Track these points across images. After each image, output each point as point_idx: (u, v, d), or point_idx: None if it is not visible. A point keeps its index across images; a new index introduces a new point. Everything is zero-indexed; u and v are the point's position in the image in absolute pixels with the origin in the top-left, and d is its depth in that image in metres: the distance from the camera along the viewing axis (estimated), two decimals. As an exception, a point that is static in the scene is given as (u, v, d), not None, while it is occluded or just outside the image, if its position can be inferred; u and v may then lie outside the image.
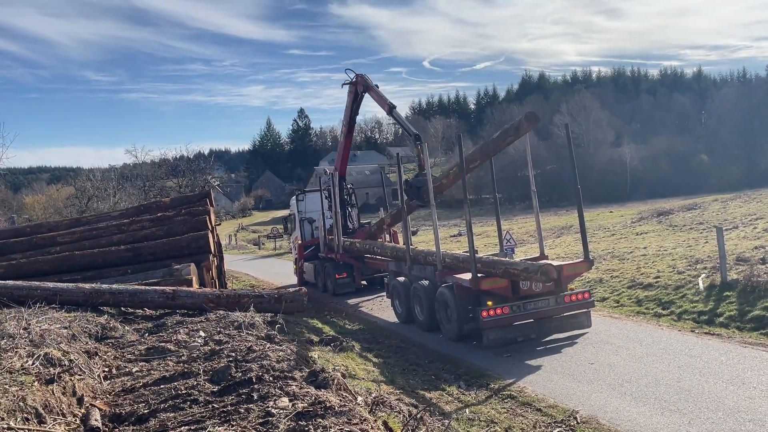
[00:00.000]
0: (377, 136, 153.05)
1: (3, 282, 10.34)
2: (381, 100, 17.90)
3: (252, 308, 9.76)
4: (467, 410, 8.25)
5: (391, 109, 17.19)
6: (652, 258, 17.00)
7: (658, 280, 14.38)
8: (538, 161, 63.94)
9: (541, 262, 11.48)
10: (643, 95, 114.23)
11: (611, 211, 45.37)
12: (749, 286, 12.00)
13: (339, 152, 21.68)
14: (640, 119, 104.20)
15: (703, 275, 13.59)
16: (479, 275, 11.31)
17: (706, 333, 11.13)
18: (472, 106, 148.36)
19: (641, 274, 15.33)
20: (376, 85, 18.40)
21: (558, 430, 7.56)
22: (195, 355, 6.72)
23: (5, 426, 4.21)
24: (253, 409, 4.53)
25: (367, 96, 18.76)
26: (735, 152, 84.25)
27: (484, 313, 11.19)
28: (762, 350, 9.78)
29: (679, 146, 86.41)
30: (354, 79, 19.01)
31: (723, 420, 7.28)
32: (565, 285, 11.71)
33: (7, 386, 4.90)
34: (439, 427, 6.98)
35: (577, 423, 7.67)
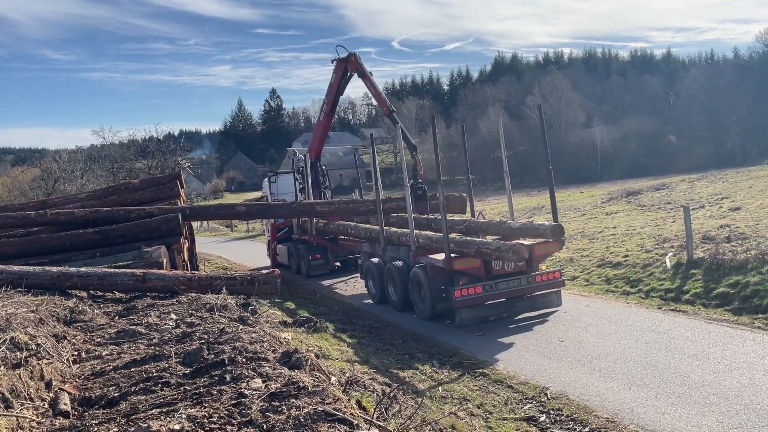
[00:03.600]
0: (350, 117, 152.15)
1: (-34, 266, 10.07)
2: (380, 98, 17.92)
3: (224, 290, 9.67)
4: (440, 388, 8.35)
5: (390, 113, 17.11)
6: (621, 237, 17.30)
7: (627, 258, 14.66)
8: (511, 142, 64.27)
9: (512, 241, 11.60)
10: (613, 77, 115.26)
11: (582, 192, 45.96)
12: (714, 264, 12.30)
13: (316, 132, 21.51)
14: (610, 100, 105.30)
15: (670, 254, 13.89)
16: (452, 255, 11.39)
17: (672, 310, 11.41)
18: (446, 87, 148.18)
19: (610, 253, 15.60)
20: (370, 72, 18.15)
21: (529, 406, 7.71)
22: (166, 337, 6.64)
23: (-30, 412, 4.13)
24: (226, 391, 4.50)
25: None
26: (702, 133, 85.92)
27: (457, 293, 11.30)
28: (726, 326, 10.06)
29: (649, 127, 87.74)
30: (346, 57, 18.61)
31: (688, 394, 7.49)
32: (536, 264, 11.87)
33: (-29, 371, 4.80)
34: (412, 405, 7.05)
35: (548, 399, 7.82)
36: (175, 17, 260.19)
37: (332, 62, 19.06)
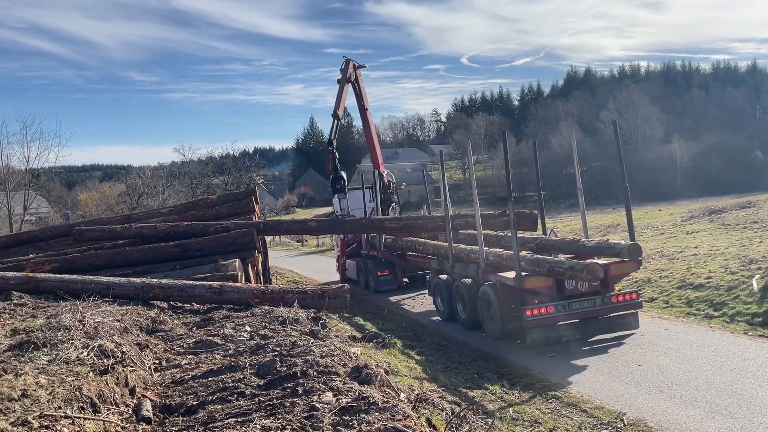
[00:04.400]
0: (419, 134, 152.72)
1: (59, 276, 10.74)
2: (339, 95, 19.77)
3: (296, 304, 9.88)
4: (511, 410, 8.19)
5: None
6: (704, 258, 16.50)
7: (710, 280, 13.95)
8: (584, 158, 62.71)
9: (587, 260, 11.28)
10: (694, 90, 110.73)
11: (660, 210, 44.17)
12: (807, 288, 11.53)
13: (369, 147, 22.10)
14: (691, 115, 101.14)
15: (757, 276, 13.12)
16: (523, 273, 11.19)
17: (760, 335, 10.75)
18: (516, 103, 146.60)
19: (692, 274, 14.90)
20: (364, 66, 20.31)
21: (604, 431, 7.44)
22: (241, 349, 6.85)
23: (63, 414, 4.38)
24: (298, 403, 4.59)
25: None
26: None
27: (528, 312, 11.06)
28: (821, 355, 9.39)
29: (732, 142, 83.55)
30: (345, 67, 20.11)
31: (778, 426, 7.03)
32: (611, 285, 11.48)
33: (64, 376, 5.10)
34: (482, 425, 6.94)
35: (624, 425, 7.52)
36: (250, 39, 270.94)
37: (338, 81, 20.38)
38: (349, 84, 20.18)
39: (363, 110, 21.75)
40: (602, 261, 11.53)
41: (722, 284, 13.46)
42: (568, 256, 12.64)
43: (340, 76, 20.18)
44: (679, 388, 8.58)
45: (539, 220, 15.17)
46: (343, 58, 20.36)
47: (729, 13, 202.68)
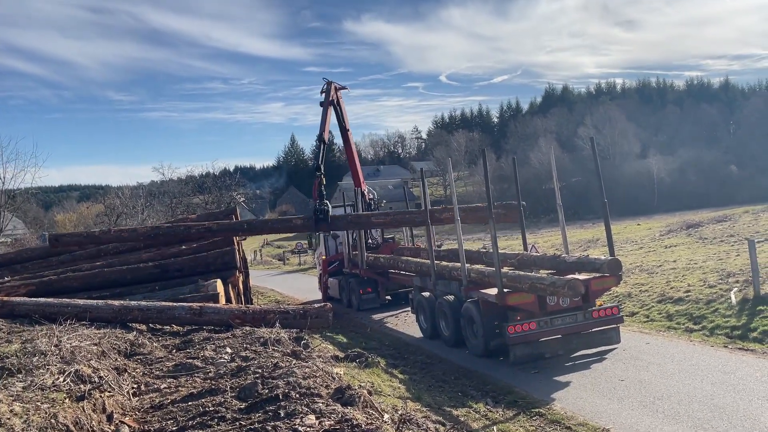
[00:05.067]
0: (400, 151, 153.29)
1: (35, 299, 10.54)
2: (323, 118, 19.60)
3: (278, 324, 9.79)
4: (495, 428, 8.15)
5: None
6: (682, 271, 16.69)
7: (689, 294, 14.11)
8: (563, 174, 63.34)
9: (568, 276, 11.34)
10: (669, 106, 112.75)
11: (639, 224, 44.71)
12: (784, 300, 11.70)
13: (350, 165, 22.13)
14: (666, 130, 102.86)
15: (735, 289, 13.30)
16: (505, 290, 11.21)
17: (739, 348, 10.86)
18: (495, 120, 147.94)
19: (671, 288, 15.06)
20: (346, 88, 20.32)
21: (588, 448, 7.43)
22: (222, 371, 6.75)
23: (37, 443, 4.27)
24: (280, 427, 4.53)
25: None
26: (765, 163, 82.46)
27: (511, 329, 11.07)
28: (799, 366, 9.50)
29: (708, 157, 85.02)
30: (328, 90, 20.13)
31: (760, 439, 7.08)
32: (593, 300, 11.53)
33: (39, 403, 4.98)
34: (466, 445, 6.91)
35: (608, 441, 7.52)
36: (230, 58, 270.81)
37: (321, 93, 20.37)
38: (332, 106, 20.21)
39: (344, 131, 21.86)
40: (583, 276, 11.60)
41: (701, 298, 13.61)
42: (549, 271, 12.70)
43: (322, 98, 20.21)
44: (661, 402, 8.62)
45: (521, 237, 15.24)
46: (324, 80, 20.37)
47: (700, 30, 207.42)
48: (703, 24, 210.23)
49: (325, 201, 16.55)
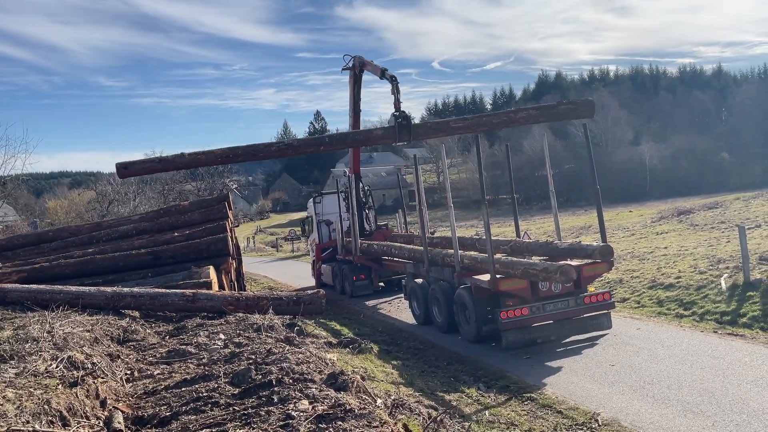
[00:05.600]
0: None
1: (26, 286, 10.49)
2: (375, 68, 18.05)
3: (271, 311, 9.80)
4: (487, 412, 8.22)
5: (383, 72, 17.09)
6: (673, 258, 16.81)
7: (680, 280, 14.21)
8: (556, 160, 63.45)
9: (560, 262, 11.40)
10: (662, 93, 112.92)
11: (631, 211, 44.90)
12: (773, 286, 11.80)
13: (350, 149, 21.66)
14: (659, 117, 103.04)
15: (725, 275, 13.40)
16: (498, 276, 11.26)
17: (729, 334, 10.98)
18: (489, 107, 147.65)
19: (662, 274, 15.16)
20: (371, 60, 18.71)
21: (579, 432, 7.50)
22: (215, 357, 6.76)
23: (31, 429, 4.27)
24: (274, 412, 4.55)
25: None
26: (757, 150, 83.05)
27: (503, 315, 11.14)
28: (787, 351, 9.61)
29: (700, 144, 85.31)
30: (352, 64, 19.24)
31: (747, 422, 7.18)
32: (584, 286, 11.63)
33: (32, 389, 4.97)
34: (459, 429, 6.97)
35: (599, 425, 7.61)
36: (221, 44, 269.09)
37: (342, 71, 19.51)
38: (354, 81, 19.68)
39: (359, 110, 21.16)
40: (575, 262, 11.67)
41: (692, 284, 13.72)
42: (542, 258, 12.77)
43: (347, 74, 19.62)
44: (651, 387, 8.71)
45: (513, 223, 15.28)
46: (346, 55, 19.47)
47: (693, 17, 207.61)
48: (696, 10, 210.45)
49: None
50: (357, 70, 19.10)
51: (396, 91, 14.92)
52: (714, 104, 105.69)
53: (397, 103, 14.32)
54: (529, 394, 8.97)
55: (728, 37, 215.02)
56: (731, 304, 12.06)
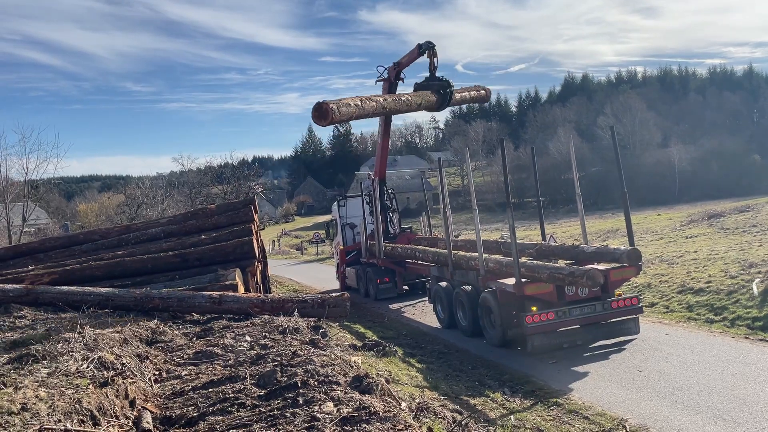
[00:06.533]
0: (417, 141, 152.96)
1: (59, 287, 10.73)
2: (409, 55, 18.27)
3: (296, 313, 9.88)
4: (512, 417, 8.16)
5: (419, 47, 17.37)
6: (703, 262, 16.50)
7: (710, 284, 13.94)
8: (582, 163, 62.78)
9: (587, 266, 11.27)
10: (691, 94, 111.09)
11: (659, 214, 44.20)
12: (807, 291, 11.52)
13: (377, 154, 21.65)
14: (688, 119, 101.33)
15: (757, 280, 13.11)
16: (523, 280, 11.18)
17: (761, 340, 10.73)
18: (514, 109, 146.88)
19: (692, 278, 14.89)
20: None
21: (606, 438, 7.41)
22: (241, 359, 6.84)
23: (63, 428, 4.37)
24: (299, 414, 4.58)
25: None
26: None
27: (529, 319, 11.04)
28: (822, 358, 9.37)
29: (731, 146, 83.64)
30: (386, 74, 19.07)
31: (781, 431, 7.01)
32: (612, 290, 11.46)
33: (63, 389, 5.09)
34: (483, 433, 6.93)
35: (626, 432, 7.49)
36: (246, 48, 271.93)
37: (376, 83, 19.45)
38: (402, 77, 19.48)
39: (390, 120, 21.13)
40: (602, 266, 11.52)
41: (722, 288, 13.45)
42: (568, 262, 12.63)
43: (386, 83, 19.29)
44: (680, 393, 8.56)
45: (539, 226, 15.17)
46: (382, 68, 19.33)
47: (721, 17, 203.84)
48: (724, 11, 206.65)
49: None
50: (393, 77, 19.09)
51: (434, 56, 16.10)
52: (745, 105, 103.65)
53: (432, 69, 14.89)
54: (555, 400, 8.88)
55: (758, 38, 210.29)
56: (763, 310, 11.78)
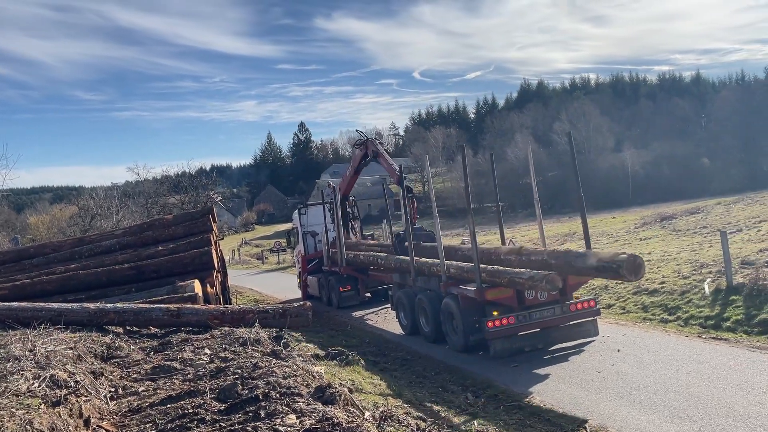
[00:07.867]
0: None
1: (7, 304, 10.34)
2: (391, 169, 18.51)
3: (257, 324, 9.74)
4: (476, 422, 8.19)
5: (400, 180, 16.69)
6: (657, 263, 16.95)
7: (664, 285, 14.33)
8: (540, 168, 63.78)
9: (546, 271, 11.44)
10: (642, 100, 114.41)
11: (614, 217, 45.30)
12: (755, 290, 11.95)
13: (345, 179, 21.81)
14: (640, 124, 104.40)
15: (708, 280, 13.54)
16: (484, 285, 11.28)
17: (713, 338, 11.07)
18: (472, 115, 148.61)
19: (646, 279, 15.26)
20: (385, 150, 19.14)
21: (567, 440, 7.51)
22: (201, 373, 6.70)
23: (12, 450, 4.20)
24: (261, 427, 4.51)
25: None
26: (736, 155, 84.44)
27: (490, 324, 11.15)
28: (770, 354, 9.71)
29: (681, 150, 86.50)
30: (365, 141, 19.78)
31: (734, 426, 7.23)
32: (570, 293, 11.66)
33: (13, 409, 4.89)
34: (447, 440, 6.94)
35: (587, 433, 7.61)
36: (200, 56, 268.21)
37: (353, 148, 20.01)
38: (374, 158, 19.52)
39: (358, 172, 21.17)
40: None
41: (676, 289, 13.84)
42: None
43: (363, 148, 19.75)
44: (638, 393, 8.75)
45: (499, 231, 15.34)
46: (363, 135, 20.11)
47: (668, 25, 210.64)
48: (670, 19, 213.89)
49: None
50: (370, 152, 19.39)
51: (410, 203, 15.29)
52: (693, 110, 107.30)
53: (412, 218, 15.01)
54: (517, 403, 8.96)
55: (703, 45, 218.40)
56: (715, 309, 12.17)
